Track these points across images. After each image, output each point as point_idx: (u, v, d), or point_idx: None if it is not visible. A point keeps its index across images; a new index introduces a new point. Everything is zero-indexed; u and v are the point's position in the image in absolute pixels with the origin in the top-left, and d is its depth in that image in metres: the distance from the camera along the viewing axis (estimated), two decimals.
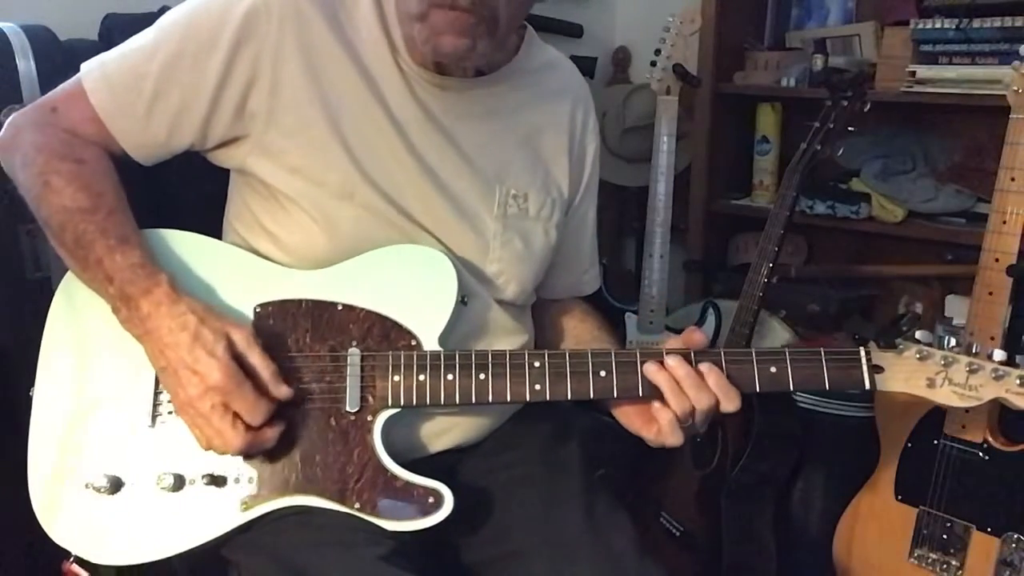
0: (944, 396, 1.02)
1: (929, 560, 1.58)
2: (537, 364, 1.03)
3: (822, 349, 1.04)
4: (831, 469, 1.92)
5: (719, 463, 1.84)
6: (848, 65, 2.22)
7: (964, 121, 2.19)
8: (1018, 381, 0.99)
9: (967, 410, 1.52)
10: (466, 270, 1.11)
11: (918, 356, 1.02)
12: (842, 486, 1.79)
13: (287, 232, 1.08)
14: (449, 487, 1.01)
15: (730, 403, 1.01)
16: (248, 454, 1.00)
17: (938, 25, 2.00)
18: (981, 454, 1.52)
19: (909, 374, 1.03)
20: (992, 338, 1.50)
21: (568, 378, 1.03)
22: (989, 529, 1.52)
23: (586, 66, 2.62)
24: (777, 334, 2.11)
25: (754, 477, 1.84)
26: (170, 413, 1.02)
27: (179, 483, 1.01)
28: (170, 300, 0.97)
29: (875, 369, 1.03)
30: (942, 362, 1.02)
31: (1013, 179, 1.47)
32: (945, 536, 1.56)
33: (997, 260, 1.49)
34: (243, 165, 1.09)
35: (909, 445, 1.61)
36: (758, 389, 1.02)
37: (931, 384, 1.03)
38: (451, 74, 1.11)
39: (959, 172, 2.21)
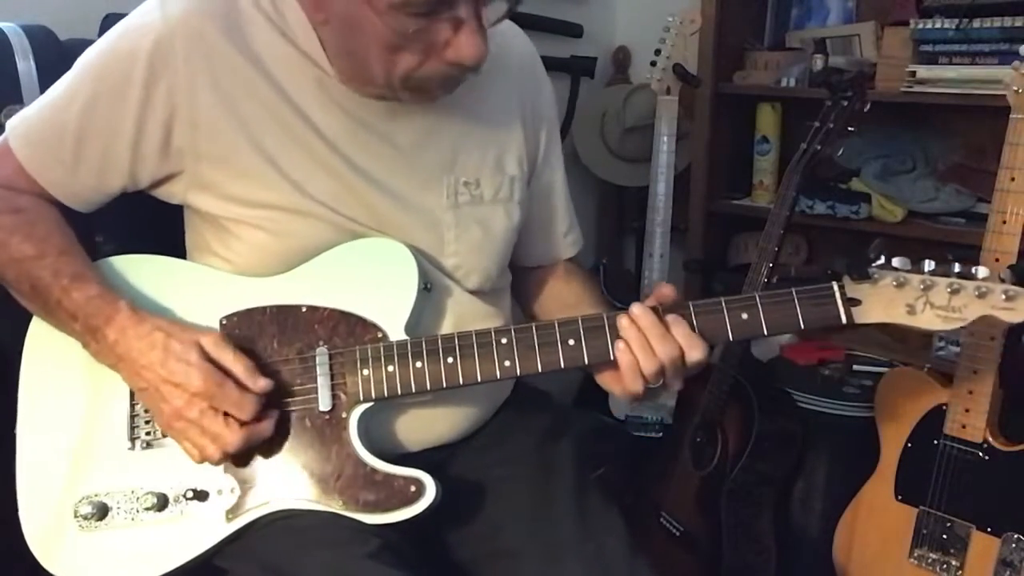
0: (927, 321, 0.96)
1: (929, 560, 1.58)
2: (504, 341, 1.02)
3: (793, 289, 0.99)
4: (831, 469, 1.92)
5: (719, 463, 1.84)
6: (848, 65, 2.22)
7: (964, 121, 2.19)
8: (1003, 296, 0.94)
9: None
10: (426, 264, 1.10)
11: (895, 283, 0.97)
12: (842, 486, 1.79)
13: (240, 256, 1.08)
14: (439, 483, 1.00)
15: (695, 352, 0.99)
16: (244, 453, 1.00)
17: (938, 25, 2.00)
18: (981, 454, 1.52)
19: (888, 303, 0.97)
20: (992, 338, 1.51)
21: (537, 351, 1.01)
22: (989, 529, 1.52)
23: (586, 66, 2.62)
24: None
25: (754, 477, 1.84)
26: (147, 435, 1.03)
27: (163, 502, 1.02)
28: (133, 323, 0.99)
29: (851, 302, 0.98)
30: (921, 286, 0.96)
31: (1013, 179, 1.47)
32: (945, 536, 1.56)
33: (997, 260, 1.48)
34: (185, 201, 1.09)
35: (909, 445, 1.61)
36: (731, 337, 1.00)
37: (912, 311, 0.96)
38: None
39: (959, 172, 2.21)
